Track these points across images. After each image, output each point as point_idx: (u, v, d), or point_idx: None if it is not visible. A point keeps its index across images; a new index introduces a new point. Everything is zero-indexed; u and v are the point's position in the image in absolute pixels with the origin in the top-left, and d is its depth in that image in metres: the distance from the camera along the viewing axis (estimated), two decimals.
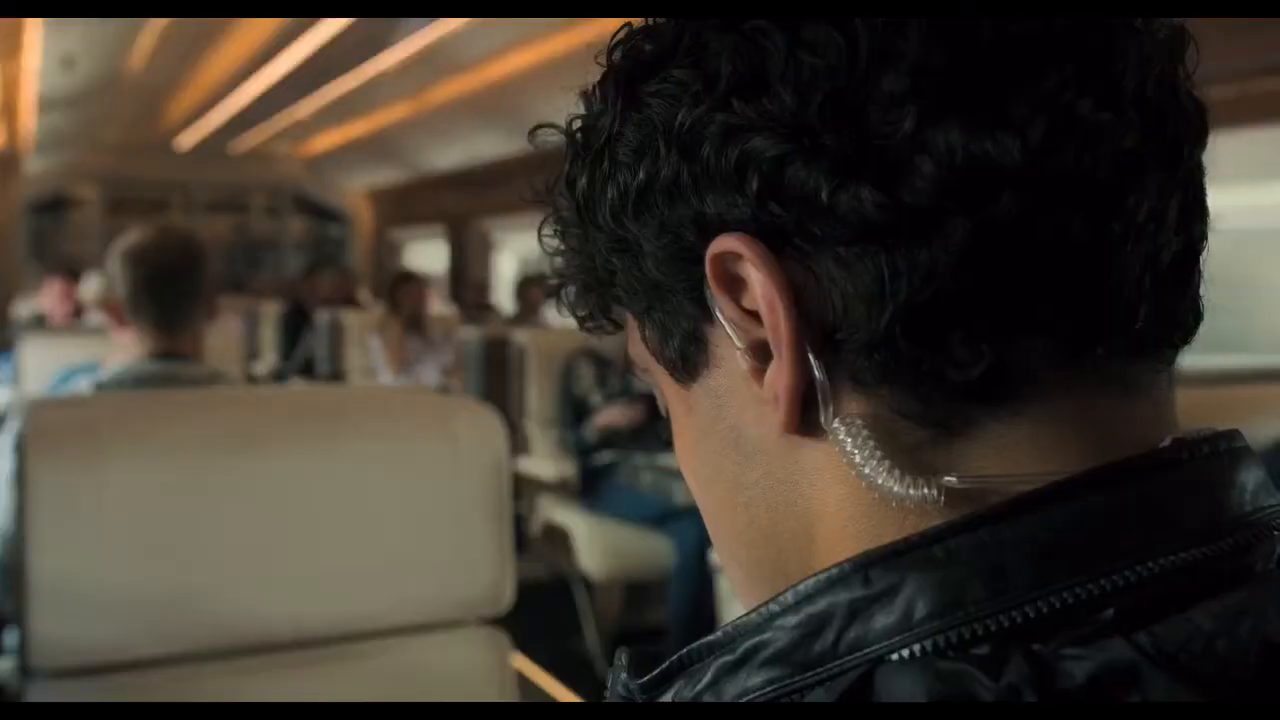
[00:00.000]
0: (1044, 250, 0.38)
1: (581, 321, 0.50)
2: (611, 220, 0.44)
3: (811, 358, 0.41)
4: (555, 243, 0.49)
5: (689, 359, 0.45)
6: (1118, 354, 0.41)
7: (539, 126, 0.49)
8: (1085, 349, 0.40)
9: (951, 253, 0.38)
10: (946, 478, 0.40)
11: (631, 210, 0.43)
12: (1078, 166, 0.38)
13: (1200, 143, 0.42)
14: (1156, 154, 0.40)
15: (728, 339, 0.43)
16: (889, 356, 0.39)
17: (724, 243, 0.41)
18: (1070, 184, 0.38)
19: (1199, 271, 0.43)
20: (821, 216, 0.39)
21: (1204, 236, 0.43)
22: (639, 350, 0.48)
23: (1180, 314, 0.42)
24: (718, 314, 0.43)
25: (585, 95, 0.46)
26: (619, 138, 0.44)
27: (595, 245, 0.46)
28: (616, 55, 0.45)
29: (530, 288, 6.97)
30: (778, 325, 0.41)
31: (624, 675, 0.45)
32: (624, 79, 0.44)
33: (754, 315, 0.41)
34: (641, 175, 0.42)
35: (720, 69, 0.40)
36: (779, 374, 0.41)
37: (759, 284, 0.40)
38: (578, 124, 0.46)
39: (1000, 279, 0.38)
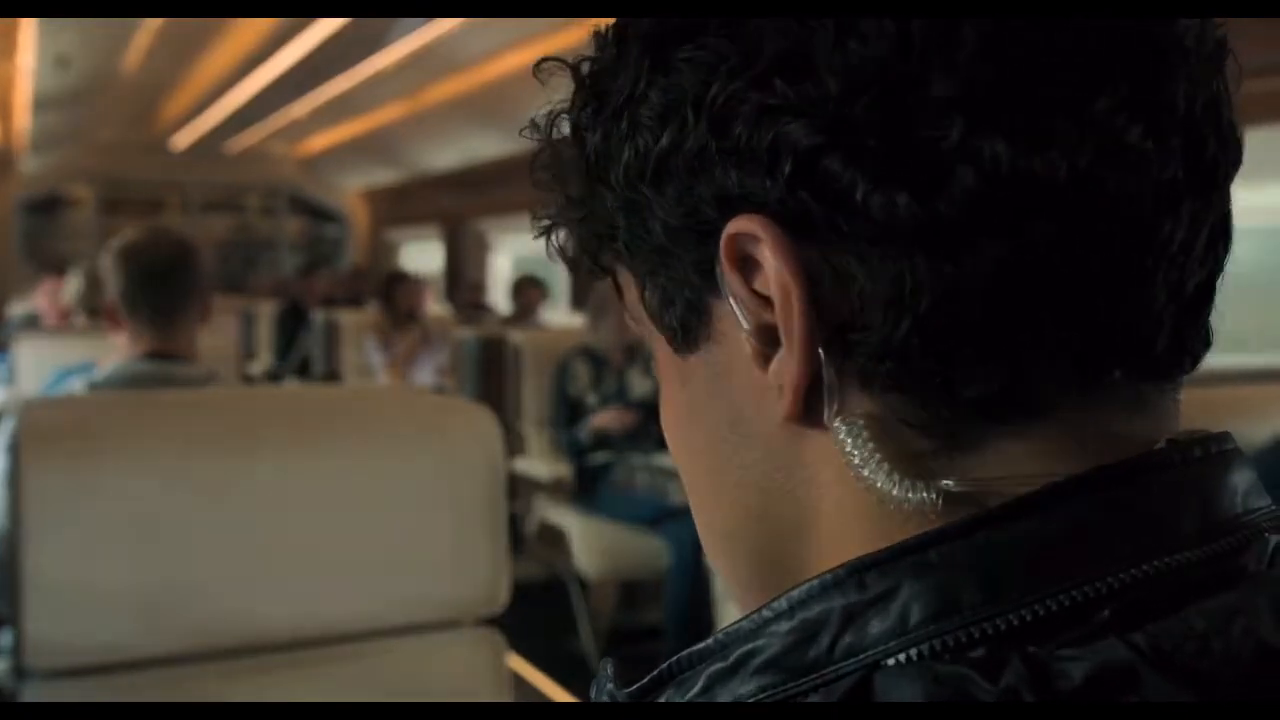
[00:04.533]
0: (1076, 277, 0.38)
1: (570, 264, 0.48)
2: (624, 182, 0.43)
3: (821, 353, 0.40)
4: (549, 179, 0.47)
5: (690, 330, 0.44)
6: (1133, 377, 0.41)
7: (543, 60, 0.47)
8: (1103, 372, 0.40)
9: (981, 272, 0.37)
10: (944, 481, 0.39)
11: (650, 176, 0.42)
12: (1120, 193, 0.37)
13: (1235, 166, 0.41)
14: (1194, 183, 0.39)
15: (733, 316, 0.42)
16: (900, 364, 0.39)
17: (742, 223, 0.39)
18: (1110, 211, 0.37)
19: (1214, 297, 0.42)
20: (852, 213, 0.38)
21: (1225, 263, 0.42)
22: (635, 307, 0.47)
23: (1194, 339, 0.42)
24: (726, 292, 0.41)
25: (597, 35, 0.45)
26: (643, 99, 0.42)
27: (600, 200, 0.44)
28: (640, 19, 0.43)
29: (527, 289, 6.96)
30: (790, 316, 0.39)
31: (610, 685, 0.44)
32: (653, 40, 0.42)
33: (765, 299, 0.40)
34: (665, 142, 0.41)
35: (761, 45, 0.39)
36: (787, 365, 0.40)
37: (774, 271, 0.39)
38: (588, 66, 0.45)
39: (1027, 302, 0.38)
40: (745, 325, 0.41)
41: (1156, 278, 0.39)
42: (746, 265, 0.40)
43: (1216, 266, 0.41)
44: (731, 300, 0.41)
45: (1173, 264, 0.39)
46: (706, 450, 0.46)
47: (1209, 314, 0.42)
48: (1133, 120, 0.37)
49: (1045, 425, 0.40)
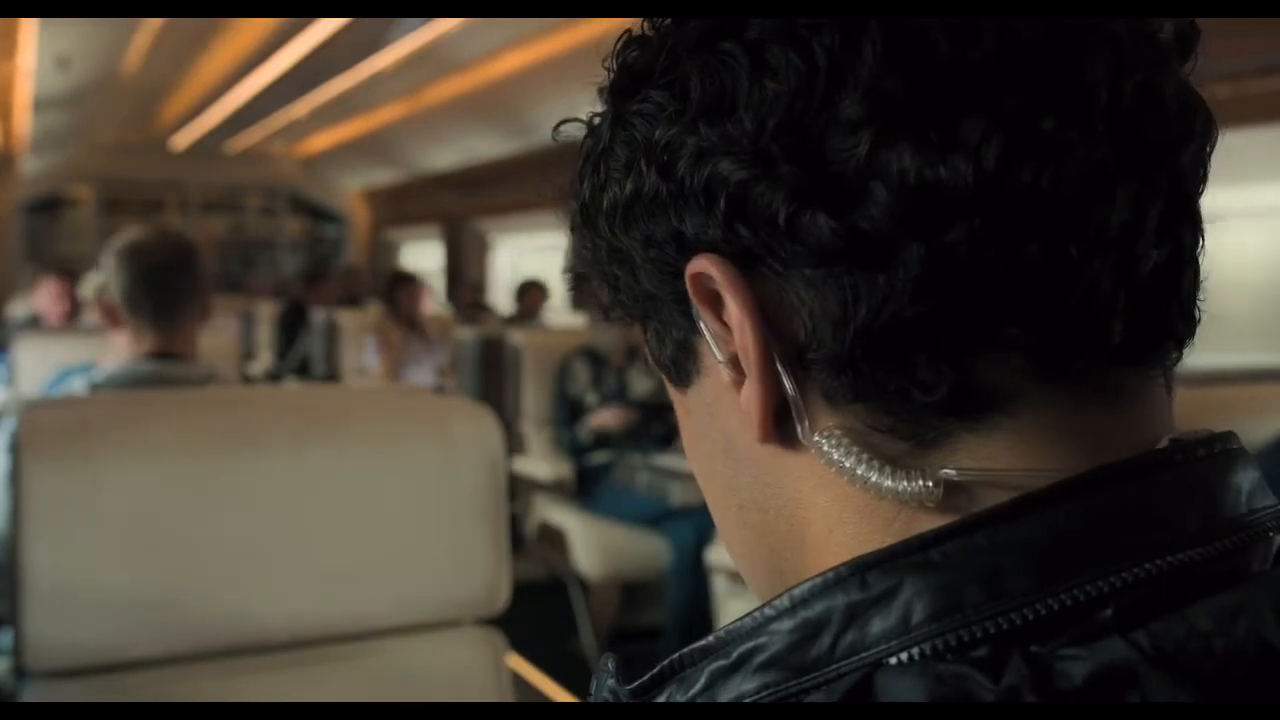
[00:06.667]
0: (1003, 273, 0.38)
1: (605, 312, 0.50)
2: (608, 230, 0.45)
3: (783, 375, 0.42)
4: (576, 236, 0.50)
5: (681, 367, 0.47)
6: (1099, 365, 0.41)
7: (564, 121, 0.49)
8: (1062, 363, 0.40)
9: (908, 278, 0.38)
10: (944, 470, 0.40)
11: (621, 223, 0.44)
12: (1036, 186, 0.38)
13: (1188, 147, 0.41)
14: (1130, 166, 0.39)
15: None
16: (855, 377, 0.40)
17: (699, 263, 0.42)
18: (1028, 205, 0.38)
19: (1192, 277, 0.42)
20: (784, 240, 0.40)
21: (1195, 242, 0.42)
22: (648, 351, 0.49)
23: (1168, 322, 0.42)
24: (701, 327, 0.44)
25: (601, 92, 0.47)
26: (610, 151, 0.45)
27: (599, 251, 0.47)
28: (616, 63, 0.46)
29: (530, 291, 6.93)
30: (746, 345, 0.42)
31: (611, 681, 0.44)
32: (613, 94, 0.45)
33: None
34: (628, 189, 0.44)
35: (690, 91, 0.41)
36: (749, 390, 0.42)
37: (730, 305, 0.42)
38: (596, 120, 0.47)
39: (960, 303, 0.38)
40: (719, 356, 0.43)
41: (1093, 264, 0.39)
42: (714, 299, 0.43)
43: (1179, 247, 0.41)
44: (706, 334, 0.44)
45: (1113, 248, 0.39)
46: (714, 477, 0.48)
47: (1186, 295, 0.42)
48: (1044, 111, 0.38)
49: (1013, 418, 0.40)
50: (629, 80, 0.44)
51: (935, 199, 0.37)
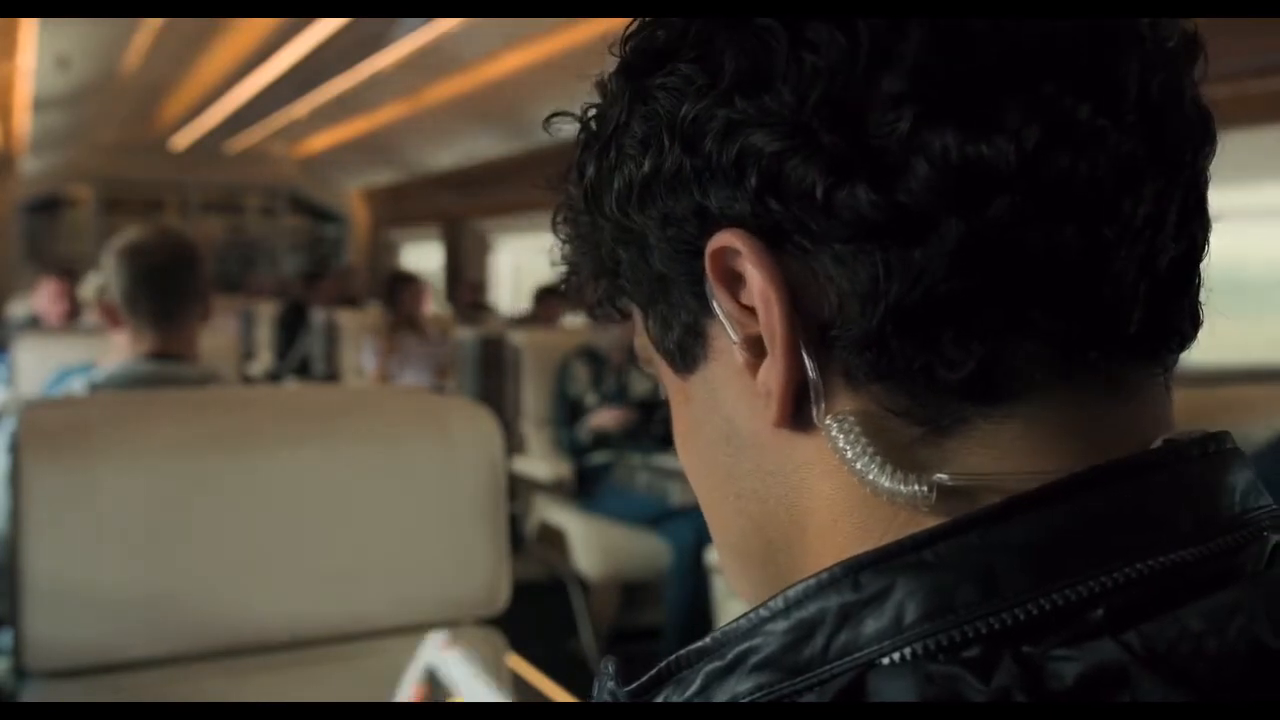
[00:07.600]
0: (1037, 254, 0.38)
1: (590, 309, 0.50)
2: (617, 210, 0.45)
3: (805, 355, 0.41)
4: (566, 229, 0.49)
5: (687, 351, 0.46)
6: (1112, 358, 0.41)
7: (554, 115, 0.49)
8: (1078, 352, 0.40)
9: (944, 254, 0.38)
10: (938, 475, 0.40)
11: (636, 201, 0.44)
12: (1073, 171, 0.38)
13: (1203, 149, 0.42)
14: (1156, 160, 0.40)
15: (726, 332, 0.43)
16: (880, 354, 0.40)
17: (723, 238, 0.41)
18: (1065, 189, 0.38)
19: (1198, 277, 0.43)
20: (818, 214, 0.39)
21: (1205, 243, 0.43)
22: (642, 342, 0.49)
23: (1177, 319, 0.42)
24: (716, 308, 0.43)
25: (599, 84, 0.47)
26: (625, 129, 0.44)
27: (601, 235, 0.46)
28: (628, 46, 0.46)
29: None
30: (772, 323, 0.41)
31: (610, 684, 0.45)
32: (633, 71, 0.45)
33: (751, 310, 0.42)
34: (647, 166, 0.43)
35: (724, 64, 0.41)
36: (772, 370, 0.42)
37: (756, 281, 0.41)
38: (591, 112, 0.47)
39: (993, 281, 0.39)
40: (735, 338, 0.43)
41: (1120, 252, 0.39)
42: (733, 279, 0.42)
43: (1193, 245, 0.42)
44: (721, 315, 0.43)
45: (1138, 239, 0.39)
46: (710, 467, 0.47)
47: (1194, 294, 0.43)
48: (1081, 100, 0.38)
49: (1028, 407, 0.40)
50: (651, 56, 0.44)
51: (978, 176, 0.38)
